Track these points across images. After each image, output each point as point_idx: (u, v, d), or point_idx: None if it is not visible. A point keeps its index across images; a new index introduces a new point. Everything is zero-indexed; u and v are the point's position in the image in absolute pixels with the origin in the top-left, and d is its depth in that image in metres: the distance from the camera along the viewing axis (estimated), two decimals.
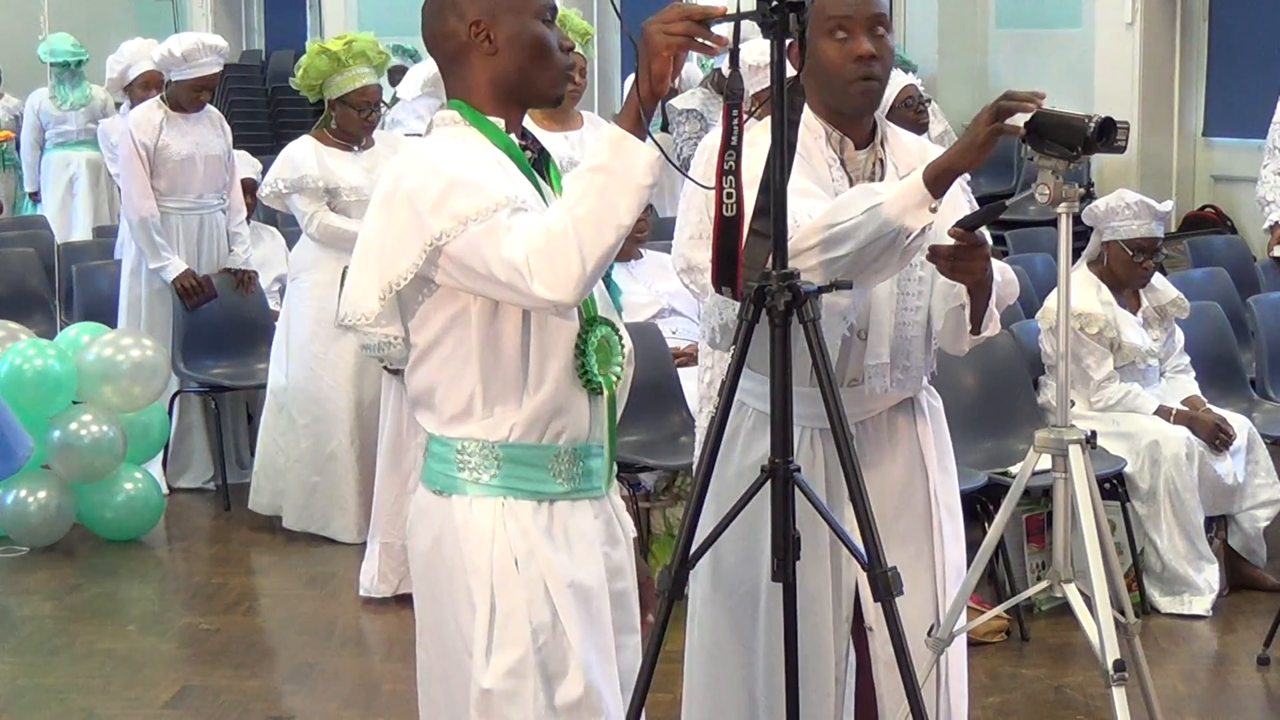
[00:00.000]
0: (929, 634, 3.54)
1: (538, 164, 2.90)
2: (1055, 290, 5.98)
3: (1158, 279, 6.25)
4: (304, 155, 6.77)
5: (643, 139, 2.64)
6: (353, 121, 6.76)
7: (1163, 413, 6.04)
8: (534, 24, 2.83)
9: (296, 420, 6.80)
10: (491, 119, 2.84)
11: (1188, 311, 6.30)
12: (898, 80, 6.99)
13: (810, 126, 3.33)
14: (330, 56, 6.65)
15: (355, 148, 6.80)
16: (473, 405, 2.80)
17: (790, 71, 2.82)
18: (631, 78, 3.12)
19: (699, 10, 2.67)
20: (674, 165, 2.78)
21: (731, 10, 2.76)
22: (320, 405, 6.74)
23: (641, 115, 2.65)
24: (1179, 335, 6.33)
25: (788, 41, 2.84)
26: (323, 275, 6.63)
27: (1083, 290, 5.89)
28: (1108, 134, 4.42)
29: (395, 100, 10.33)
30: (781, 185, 2.85)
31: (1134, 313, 6.13)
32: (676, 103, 7.63)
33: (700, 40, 2.65)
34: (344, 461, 6.73)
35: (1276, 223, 8.07)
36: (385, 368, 5.99)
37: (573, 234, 2.61)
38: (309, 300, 6.70)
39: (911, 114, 6.95)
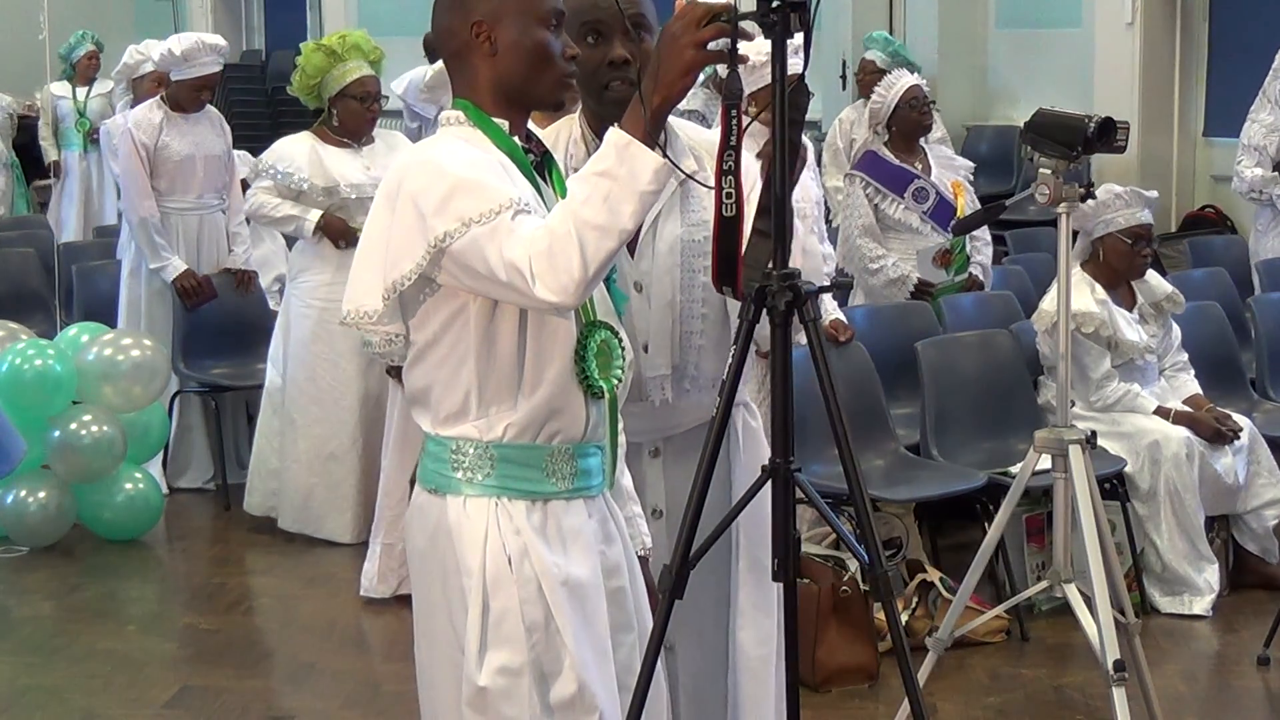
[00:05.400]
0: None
1: (540, 166, 2.91)
2: (1049, 292, 6.03)
3: (1151, 275, 6.25)
4: (294, 153, 6.76)
5: (650, 146, 2.63)
6: (356, 115, 6.74)
7: (1162, 413, 6.04)
8: (538, 30, 2.82)
9: (296, 421, 6.78)
10: (496, 120, 2.84)
11: (1183, 307, 6.31)
12: (903, 80, 7.00)
13: (579, 140, 3.25)
14: (326, 51, 6.66)
15: (355, 145, 6.80)
16: (468, 405, 2.81)
17: (794, 71, 2.81)
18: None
19: (705, 8, 2.66)
20: (680, 170, 2.77)
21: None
22: (320, 406, 6.73)
23: (647, 120, 2.64)
24: (1176, 332, 6.34)
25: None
26: (323, 275, 6.64)
27: (1077, 290, 5.88)
28: (1108, 134, 4.44)
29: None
30: (783, 185, 2.85)
31: (1129, 310, 6.13)
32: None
33: (733, 46, 2.64)
34: (345, 462, 6.72)
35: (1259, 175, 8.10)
36: (387, 368, 5.99)
37: (575, 238, 2.61)
38: (310, 301, 6.69)
39: (916, 115, 6.95)
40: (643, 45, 3.18)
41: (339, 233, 6.68)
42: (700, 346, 3.31)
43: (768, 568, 3.27)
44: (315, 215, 6.69)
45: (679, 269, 3.27)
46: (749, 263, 2.86)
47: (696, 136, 3.28)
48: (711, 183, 2.86)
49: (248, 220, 7.83)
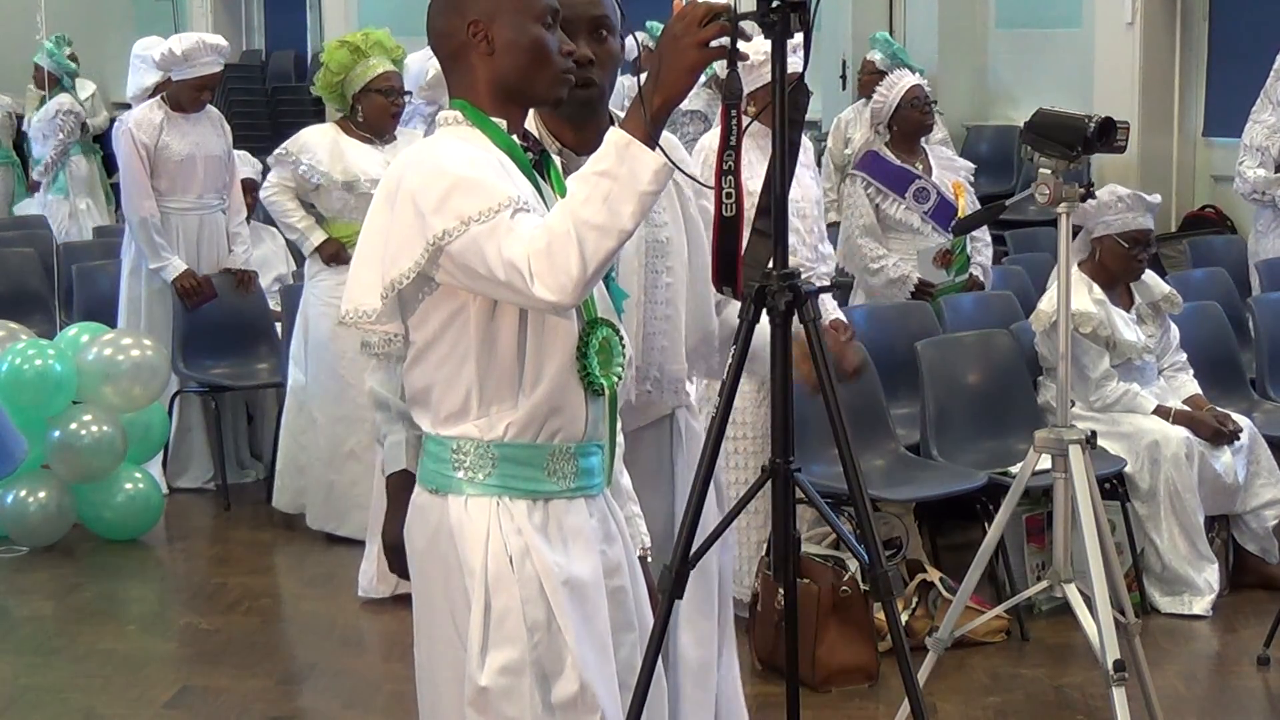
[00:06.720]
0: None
1: (539, 165, 2.91)
2: (1046, 293, 6.02)
3: (1148, 275, 6.25)
4: (318, 144, 6.76)
5: (651, 147, 2.63)
6: (381, 110, 6.72)
7: (1161, 412, 6.04)
8: (533, 27, 2.83)
9: (317, 419, 6.79)
10: (494, 119, 2.84)
11: (1180, 307, 6.31)
12: (905, 81, 7.00)
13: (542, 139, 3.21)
14: (351, 47, 6.67)
15: (378, 141, 6.79)
16: (469, 404, 2.81)
17: (794, 70, 2.81)
18: (632, 79, 3.14)
19: (706, 8, 2.66)
20: (682, 171, 2.76)
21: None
22: (339, 404, 6.72)
23: (647, 121, 2.64)
24: (1174, 332, 6.34)
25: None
26: (341, 275, 6.61)
27: (1075, 290, 5.87)
28: (1108, 134, 4.44)
29: None
30: (782, 185, 2.85)
31: (1126, 310, 6.13)
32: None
33: (732, 45, 2.64)
34: (365, 459, 6.70)
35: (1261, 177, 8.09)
36: None
37: (575, 237, 2.61)
38: (329, 300, 6.65)
39: (918, 114, 6.95)
40: (606, 46, 3.18)
41: (332, 256, 6.72)
42: (663, 348, 3.32)
43: (707, 570, 3.28)
44: (318, 238, 6.75)
45: (644, 270, 3.28)
46: (749, 262, 2.87)
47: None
48: (711, 182, 2.86)
49: (248, 219, 7.84)
